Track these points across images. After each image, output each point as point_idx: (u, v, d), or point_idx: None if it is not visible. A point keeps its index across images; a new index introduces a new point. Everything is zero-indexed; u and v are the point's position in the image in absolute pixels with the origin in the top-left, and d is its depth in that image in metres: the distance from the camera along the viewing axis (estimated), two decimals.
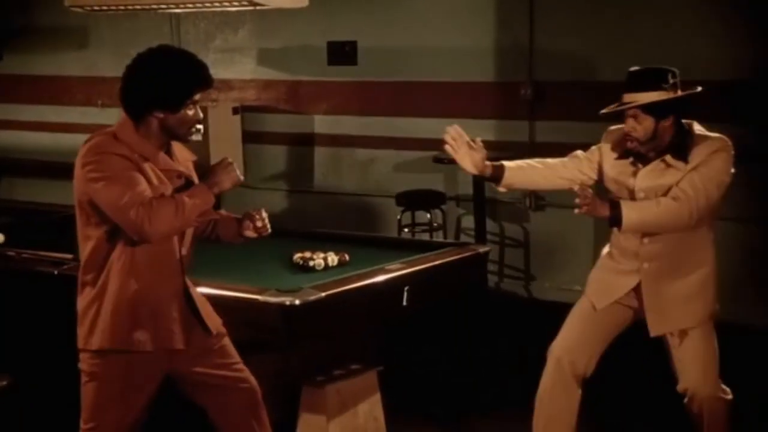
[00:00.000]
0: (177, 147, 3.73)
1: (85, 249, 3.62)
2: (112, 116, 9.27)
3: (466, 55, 7.86)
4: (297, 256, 4.98)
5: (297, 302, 4.19)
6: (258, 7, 6.53)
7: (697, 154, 4.08)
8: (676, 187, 4.06)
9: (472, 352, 6.40)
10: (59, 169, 9.43)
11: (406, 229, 7.67)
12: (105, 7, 6.74)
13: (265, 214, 3.89)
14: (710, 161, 4.06)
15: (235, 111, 8.52)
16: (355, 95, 8.43)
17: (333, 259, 4.93)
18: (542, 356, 4.44)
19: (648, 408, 5.46)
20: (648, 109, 4.05)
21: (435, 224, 7.67)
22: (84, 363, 3.68)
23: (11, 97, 10.10)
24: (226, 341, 3.85)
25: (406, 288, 4.65)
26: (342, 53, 8.34)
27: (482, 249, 5.32)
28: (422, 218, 7.70)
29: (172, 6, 6.62)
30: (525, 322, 7.20)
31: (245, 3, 6.34)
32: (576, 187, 4.12)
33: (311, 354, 4.43)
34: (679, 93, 4.09)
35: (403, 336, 5.28)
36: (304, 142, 8.71)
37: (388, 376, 5.07)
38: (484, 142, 4.35)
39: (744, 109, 6.63)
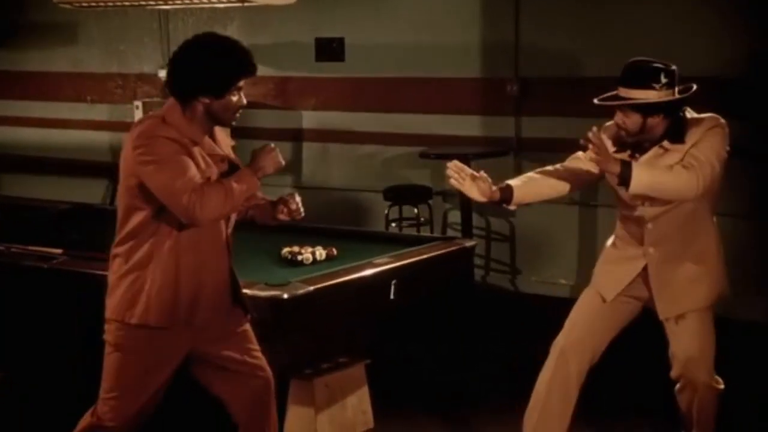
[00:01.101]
0: (218, 131, 3.79)
1: (127, 223, 3.64)
2: (102, 112, 9.40)
3: (452, 52, 7.90)
4: (285, 250, 5.02)
5: (285, 296, 4.24)
6: (246, 4, 6.56)
7: (693, 134, 4.10)
8: (683, 160, 4.06)
9: (459, 346, 6.44)
10: (48, 164, 9.50)
11: (393, 224, 7.71)
12: (94, 4, 6.77)
13: (298, 199, 3.95)
14: (707, 137, 4.09)
15: None
16: (343, 91, 8.46)
17: (321, 253, 4.97)
18: (528, 349, 4.46)
19: (636, 398, 5.49)
20: (634, 106, 4.08)
21: (422, 219, 7.71)
22: (110, 334, 3.70)
23: (0, 93, 10.11)
24: (248, 327, 3.89)
25: (393, 282, 4.69)
26: (330, 49, 8.37)
27: (468, 243, 5.37)
28: (409, 213, 7.74)
29: (160, 2, 6.65)
30: (511, 315, 7.25)
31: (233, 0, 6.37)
32: (590, 133, 4.05)
33: (299, 347, 4.46)
34: (674, 94, 4.09)
35: (389, 330, 5.30)
36: (293, 137, 8.74)
37: (375, 370, 5.11)
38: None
39: (738, 106, 6.62)
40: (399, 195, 7.72)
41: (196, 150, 3.61)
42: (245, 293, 3.95)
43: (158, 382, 3.75)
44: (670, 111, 4.11)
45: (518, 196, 4.33)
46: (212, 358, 3.82)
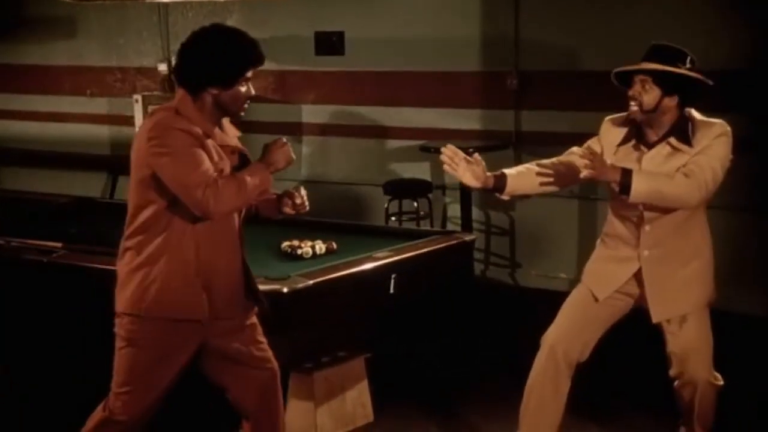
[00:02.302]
0: (226, 123, 3.81)
1: (139, 216, 3.64)
2: (101, 105, 9.39)
3: (452, 45, 7.89)
4: (285, 244, 5.02)
5: (285, 290, 4.24)
6: None
7: (701, 139, 4.10)
8: (685, 167, 4.07)
9: (459, 340, 6.44)
10: (48, 158, 9.50)
11: (393, 218, 7.71)
12: None
13: (304, 192, 3.98)
14: (714, 145, 4.10)
15: None
16: (343, 85, 8.45)
17: (321, 247, 4.97)
18: (528, 343, 4.46)
19: (637, 392, 5.49)
20: (658, 80, 4.07)
21: (422, 213, 7.71)
22: (121, 328, 3.69)
23: (0, 86, 10.10)
24: (256, 319, 3.89)
25: (393, 276, 4.69)
26: (329, 43, 8.36)
27: (468, 237, 5.36)
28: (409, 207, 7.74)
29: None
30: (510, 309, 7.25)
31: None
32: (581, 153, 4.09)
33: (299, 341, 4.46)
34: (693, 73, 4.10)
35: (389, 324, 5.31)
36: (292, 131, 8.73)
37: (375, 364, 5.11)
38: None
39: (739, 98, 6.61)
40: (399, 189, 7.72)
41: (209, 142, 3.63)
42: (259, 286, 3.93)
43: (170, 375, 3.74)
44: (688, 94, 4.12)
45: (511, 185, 4.31)
46: (221, 350, 3.81)
